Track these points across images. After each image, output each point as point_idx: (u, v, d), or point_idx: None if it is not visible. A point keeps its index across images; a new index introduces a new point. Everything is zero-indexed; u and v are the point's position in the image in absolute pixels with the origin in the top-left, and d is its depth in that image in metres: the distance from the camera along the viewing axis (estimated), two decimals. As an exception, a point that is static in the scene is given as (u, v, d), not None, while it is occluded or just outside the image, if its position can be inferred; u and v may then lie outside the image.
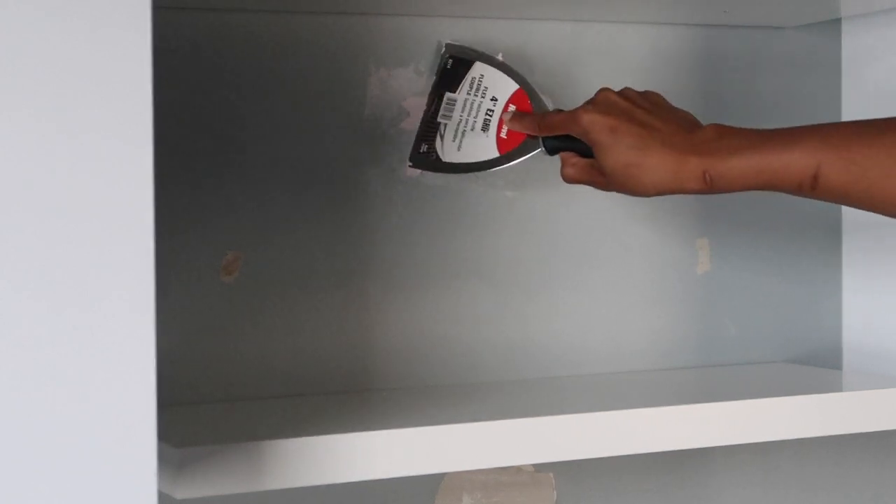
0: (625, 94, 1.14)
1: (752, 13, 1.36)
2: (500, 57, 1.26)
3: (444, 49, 1.25)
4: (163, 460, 0.86)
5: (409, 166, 1.24)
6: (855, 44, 1.44)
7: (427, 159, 1.24)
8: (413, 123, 1.27)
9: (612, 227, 1.35)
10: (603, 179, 1.14)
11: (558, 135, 1.18)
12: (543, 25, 1.33)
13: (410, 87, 1.28)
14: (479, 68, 1.24)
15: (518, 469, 1.32)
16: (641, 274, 1.37)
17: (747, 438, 1.15)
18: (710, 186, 1.07)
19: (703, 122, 1.14)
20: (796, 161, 1.04)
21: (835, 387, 1.28)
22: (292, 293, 1.24)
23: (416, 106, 1.27)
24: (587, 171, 1.16)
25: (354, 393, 1.24)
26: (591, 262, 1.35)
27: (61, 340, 0.78)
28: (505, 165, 1.23)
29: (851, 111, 1.44)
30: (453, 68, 1.25)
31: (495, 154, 1.23)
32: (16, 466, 0.77)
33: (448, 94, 1.24)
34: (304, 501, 1.20)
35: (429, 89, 1.25)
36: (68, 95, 0.78)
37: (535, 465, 1.32)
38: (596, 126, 1.11)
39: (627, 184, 1.11)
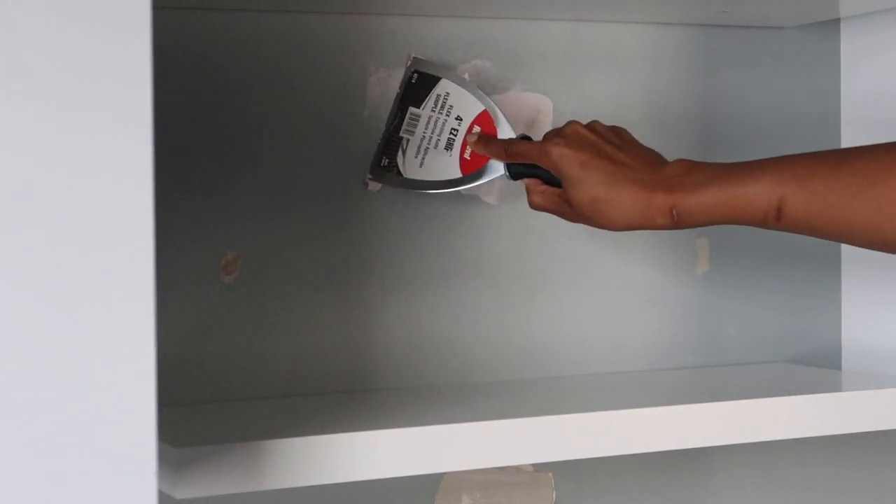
0: (593, 127, 1.14)
1: (752, 13, 1.36)
2: (466, 77, 1.26)
3: (409, 62, 1.25)
4: (163, 460, 0.86)
5: (370, 179, 1.24)
6: (854, 44, 1.44)
7: (387, 173, 1.24)
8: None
9: (612, 227, 1.35)
10: (570, 210, 1.14)
11: (523, 163, 1.19)
12: (543, 25, 1.33)
13: (410, 87, 1.28)
14: (444, 85, 1.24)
15: (517, 469, 1.32)
16: (641, 274, 1.37)
17: (747, 438, 1.16)
18: (676, 222, 1.08)
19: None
20: (759, 194, 1.05)
21: (834, 387, 1.28)
22: (292, 293, 1.24)
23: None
24: (555, 200, 1.16)
25: (354, 393, 1.24)
26: (591, 263, 1.35)
27: (61, 340, 0.78)
28: (466, 186, 1.23)
29: (850, 111, 1.44)
30: (418, 83, 1.24)
31: (458, 174, 1.23)
32: (16, 466, 0.77)
33: (412, 109, 1.23)
34: (304, 501, 1.20)
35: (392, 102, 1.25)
36: (68, 95, 0.78)
37: (534, 465, 1.32)
38: (565, 160, 1.12)
39: (595, 217, 1.11)
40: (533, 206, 1.19)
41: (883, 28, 1.40)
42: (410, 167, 1.23)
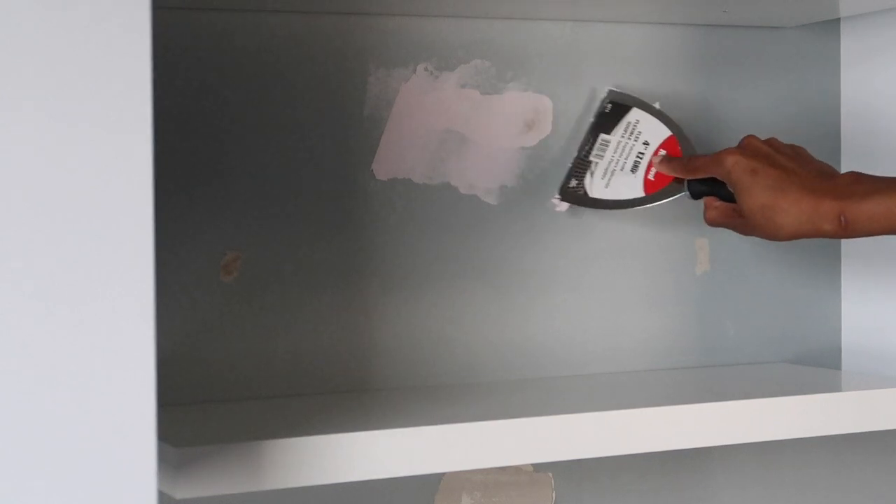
0: (769, 141, 1.21)
1: (752, 13, 1.36)
2: (657, 105, 1.31)
3: (606, 94, 1.31)
4: (163, 460, 0.86)
5: (558, 199, 1.29)
6: (854, 44, 1.44)
7: (575, 194, 1.29)
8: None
9: (612, 227, 1.35)
10: (742, 222, 1.20)
11: (703, 181, 1.25)
12: (543, 25, 1.33)
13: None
14: (635, 114, 1.30)
15: (517, 469, 1.32)
16: (641, 274, 1.37)
17: (746, 438, 1.16)
18: (844, 228, 1.13)
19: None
20: None
21: (834, 387, 1.28)
22: (292, 293, 1.24)
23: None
24: (728, 214, 1.23)
25: (354, 393, 1.24)
26: (591, 263, 1.35)
27: (61, 340, 0.78)
28: (649, 205, 1.29)
29: (850, 111, 1.44)
30: (611, 112, 1.30)
31: (641, 194, 1.29)
32: (16, 466, 0.77)
33: (603, 136, 1.29)
34: (304, 501, 1.20)
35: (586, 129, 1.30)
36: (68, 95, 0.78)
37: (534, 465, 1.32)
38: (738, 167, 1.18)
39: (765, 225, 1.17)
40: (708, 221, 1.25)
41: (883, 28, 1.40)
42: (597, 188, 1.29)
